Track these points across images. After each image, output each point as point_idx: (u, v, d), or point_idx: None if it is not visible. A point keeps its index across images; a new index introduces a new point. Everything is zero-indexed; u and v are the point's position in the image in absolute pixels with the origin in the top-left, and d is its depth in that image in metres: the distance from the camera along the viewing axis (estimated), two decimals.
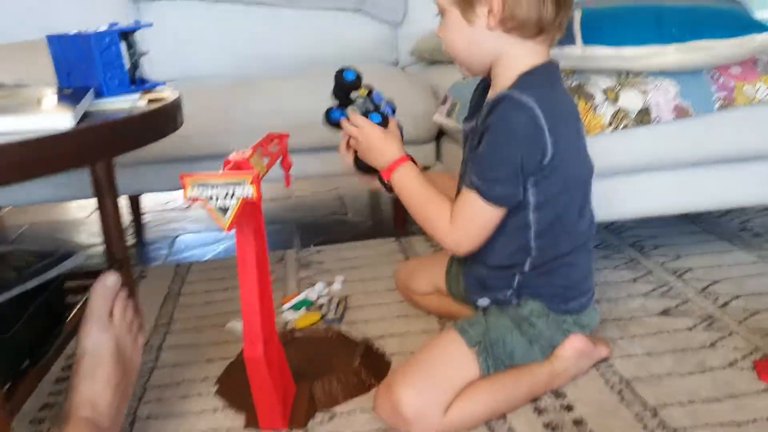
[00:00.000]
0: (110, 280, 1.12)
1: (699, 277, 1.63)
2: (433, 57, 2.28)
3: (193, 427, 1.18)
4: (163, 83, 1.13)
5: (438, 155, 2.08)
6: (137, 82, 1.10)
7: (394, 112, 1.28)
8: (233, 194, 0.97)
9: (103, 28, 1.08)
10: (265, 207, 2.67)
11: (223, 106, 1.95)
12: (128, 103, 1.04)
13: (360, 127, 1.21)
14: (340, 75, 1.24)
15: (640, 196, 1.44)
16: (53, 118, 0.85)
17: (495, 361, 1.12)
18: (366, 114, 1.23)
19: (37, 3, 2.39)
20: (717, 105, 1.34)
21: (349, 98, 1.26)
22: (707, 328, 1.38)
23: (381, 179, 1.24)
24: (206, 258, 2.09)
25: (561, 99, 1.12)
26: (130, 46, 1.10)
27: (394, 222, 2.22)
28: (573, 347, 1.19)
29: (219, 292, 1.76)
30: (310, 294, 1.66)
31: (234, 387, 1.27)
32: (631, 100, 1.33)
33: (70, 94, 0.99)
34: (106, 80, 1.04)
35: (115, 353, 1.09)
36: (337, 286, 1.72)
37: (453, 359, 1.12)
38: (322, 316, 1.55)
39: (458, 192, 1.17)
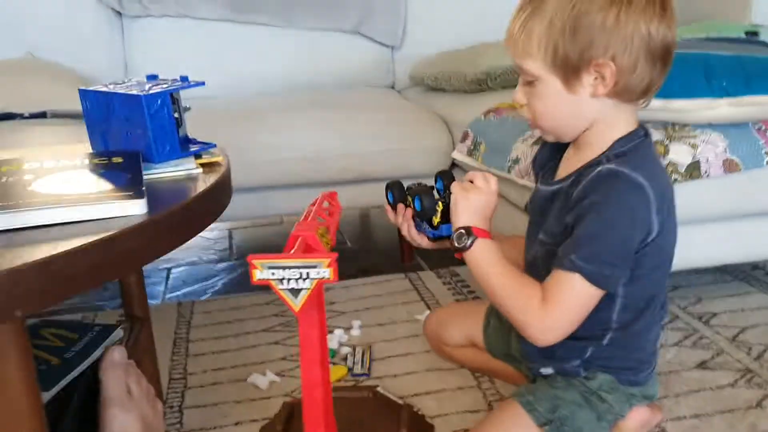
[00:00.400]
0: (117, 355, 1.03)
1: (725, 323, 1.61)
2: (436, 84, 2.22)
3: None
4: (214, 145, 1.04)
5: None
6: (185, 144, 1.01)
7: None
8: (307, 276, 0.90)
9: (144, 84, 0.98)
10: (254, 232, 2.60)
11: (230, 139, 1.85)
12: (182, 171, 0.95)
13: (463, 190, 1.12)
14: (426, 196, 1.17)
15: (686, 248, 1.41)
16: (125, 205, 0.76)
17: None
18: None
19: (16, 18, 2.25)
20: (767, 160, 1.31)
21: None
22: (748, 385, 1.36)
23: (460, 234, 1.12)
24: (206, 296, 1.99)
25: (662, 175, 1.08)
26: (174, 101, 1.01)
27: (401, 255, 2.15)
28: (638, 420, 1.15)
29: (230, 339, 1.67)
30: (331, 343, 1.59)
31: None
32: (680, 153, 1.30)
33: (121, 165, 0.89)
34: (156, 146, 0.94)
35: (144, 429, 1.01)
36: (356, 332, 1.65)
37: None
38: (349, 370, 1.48)
39: (527, 261, 1.11)
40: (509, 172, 1.45)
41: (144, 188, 0.80)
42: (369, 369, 1.48)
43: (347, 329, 1.66)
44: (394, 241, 2.20)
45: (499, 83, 1.94)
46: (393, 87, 2.59)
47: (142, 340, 1.26)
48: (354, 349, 1.55)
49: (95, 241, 0.68)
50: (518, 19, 1.03)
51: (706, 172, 1.30)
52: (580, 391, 1.11)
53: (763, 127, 1.34)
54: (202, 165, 0.98)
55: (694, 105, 1.29)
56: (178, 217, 0.79)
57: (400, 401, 1.31)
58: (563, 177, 1.10)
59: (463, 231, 1.09)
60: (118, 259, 0.71)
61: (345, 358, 1.53)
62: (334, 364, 1.50)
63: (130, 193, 0.78)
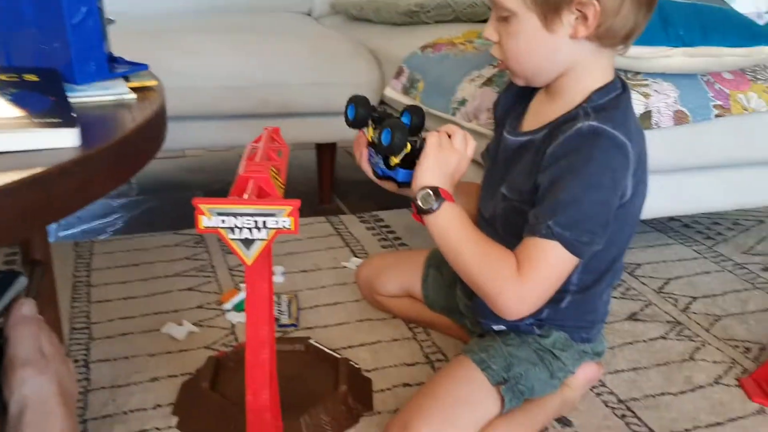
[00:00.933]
0: (27, 308, 0.88)
1: (650, 274, 1.62)
2: (361, 14, 2.09)
3: None
4: (146, 66, 0.89)
5: None
6: (111, 63, 0.85)
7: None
8: (264, 226, 0.78)
9: None
10: (155, 165, 2.40)
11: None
12: (111, 96, 0.79)
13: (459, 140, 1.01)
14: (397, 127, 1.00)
15: None
16: (53, 135, 0.61)
17: (517, 397, 1.02)
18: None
19: None
20: (714, 113, 1.29)
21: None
22: (680, 337, 1.37)
23: (426, 195, 0.99)
24: (106, 235, 1.81)
25: (641, 134, 1.00)
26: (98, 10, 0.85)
27: (320, 197, 2.05)
28: (586, 376, 1.12)
29: (137, 284, 1.52)
30: None
31: (197, 417, 1.09)
32: (634, 102, 1.25)
33: (37, 85, 0.73)
34: (80, 64, 0.78)
35: (60, 393, 0.87)
36: (278, 279, 1.54)
37: (475, 397, 1.00)
38: (276, 321, 1.37)
39: (482, 215, 1.03)
40: (454, 114, 1.37)
41: (74, 115, 0.65)
42: (297, 319, 1.38)
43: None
44: (311, 181, 2.10)
45: (432, 17, 1.83)
46: (309, 14, 2.42)
47: (44, 288, 1.10)
48: (279, 298, 1.45)
49: (23, 180, 0.54)
50: None
51: (656, 123, 1.27)
52: (534, 348, 1.06)
53: (712, 79, 1.32)
54: (133, 89, 0.83)
55: (649, 52, 1.24)
56: (116, 153, 0.65)
57: (337, 354, 1.22)
58: (534, 128, 1.01)
59: (429, 192, 0.98)
60: (50, 203, 0.57)
61: None
62: None
63: (58, 120, 0.63)
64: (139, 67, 0.88)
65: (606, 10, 0.90)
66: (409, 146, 1.00)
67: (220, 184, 2.17)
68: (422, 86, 1.52)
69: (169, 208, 1.99)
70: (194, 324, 1.35)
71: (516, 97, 1.08)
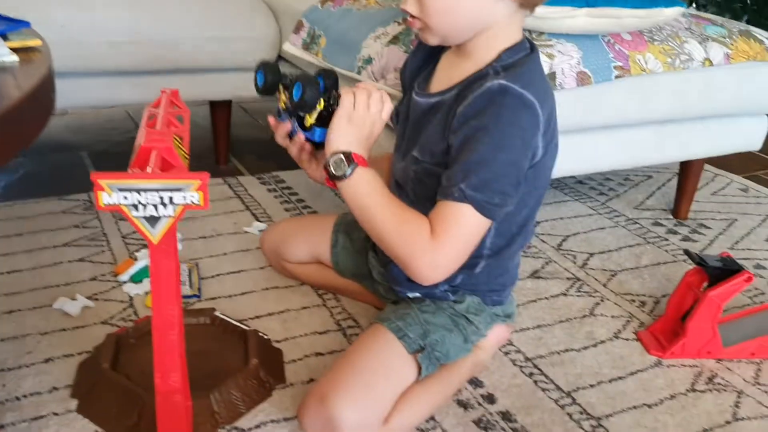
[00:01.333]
0: None
1: (548, 231, 1.66)
2: None
3: None
4: (27, 23, 0.79)
5: None
6: None
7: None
8: (170, 202, 0.73)
9: None
10: None
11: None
12: None
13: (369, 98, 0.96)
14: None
15: None
16: None
17: (433, 363, 1.02)
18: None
19: None
20: (615, 74, 1.31)
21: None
22: (579, 293, 1.41)
23: (339, 160, 0.96)
24: None
25: (550, 94, 0.99)
26: None
27: (216, 158, 1.96)
28: (497, 337, 1.14)
29: (22, 256, 1.41)
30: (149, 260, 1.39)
31: (99, 400, 1.02)
32: None
33: None
34: None
35: None
36: (178, 246, 1.46)
37: (393, 367, 0.99)
38: None
39: (394, 178, 1.01)
40: (359, 72, 1.33)
41: None
42: (199, 290, 1.32)
43: None
44: (206, 141, 2.01)
45: None
46: None
47: None
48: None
49: None
50: None
51: (560, 84, 1.28)
52: (448, 314, 1.06)
53: (612, 40, 1.34)
54: (15, 50, 0.75)
55: (554, 12, 1.24)
56: (1, 128, 0.58)
57: (244, 326, 1.18)
58: (444, 89, 0.99)
59: (342, 156, 0.94)
60: None
61: None
62: None
63: None
64: (20, 24, 0.79)
65: None
66: (322, 102, 0.96)
67: (105, 144, 2.04)
68: (324, 42, 1.46)
69: (52, 171, 1.85)
70: (89, 298, 1.27)
71: (423, 58, 1.06)
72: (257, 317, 1.26)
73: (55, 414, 1.01)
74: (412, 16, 0.96)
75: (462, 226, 0.92)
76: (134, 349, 1.12)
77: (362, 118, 0.96)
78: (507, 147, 0.90)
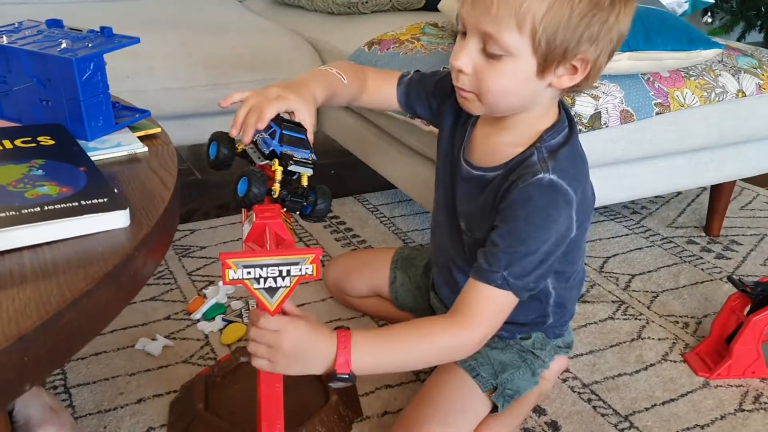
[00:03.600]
0: None
1: (588, 252, 1.73)
2: (293, 0, 2.07)
3: None
4: (149, 113, 0.88)
5: (319, 119, 1.92)
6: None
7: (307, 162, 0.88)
8: (288, 274, 0.81)
9: (52, 34, 0.79)
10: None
11: None
12: (125, 151, 0.79)
13: (275, 332, 0.87)
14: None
15: None
16: (105, 218, 0.61)
17: (507, 400, 1.10)
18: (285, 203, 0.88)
19: None
20: (656, 111, 1.38)
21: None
22: (626, 316, 1.49)
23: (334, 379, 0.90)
24: None
25: (587, 175, 1.03)
26: None
27: None
28: (558, 367, 1.22)
29: None
30: (218, 297, 1.48)
31: None
32: (584, 105, 1.33)
33: (55, 150, 0.72)
34: (90, 120, 0.77)
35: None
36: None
37: (468, 403, 1.07)
38: (247, 327, 1.39)
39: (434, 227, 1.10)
40: (413, 117, 1.40)
41: (116, 191, 0.65)
42: None
43: None
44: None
45: (369, 7, 1.84)
46: None
47: None
48: (248, 303, 1.47)
49: (101, 278, 0.55)
50: None
51: (605, 123, 1.35)
52: (516, 350, 1.14)
53: (651, 78, 1.41)
54: (144, 140, 0.83)
55: None
56: (160, 226, 0.66)
57: None
58: (488, 166, 1.02)
59: (334, 381, 0.90)
60: (118, 294, 0.58)
61: (240, 315, 1.44)
62: (228, 321, 1.41)
63: (104, 201, 0.63)
64: (142, 115, 0.87)
65: (595, 66, 0.92)
66: (278, 168, 0.86)
67: None
68: None
69: None
70: (167, 337, 1.36)
71: (457, 111, 1.07)
72: None
73: None
74: (464, 90, 0.95)
75: (497, 308, 0.96)
76: (221, 388, 1.20)
77: (290, 348, 0.87)
78: (549, 240, 0.95)
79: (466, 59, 0.92)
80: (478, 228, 1.04)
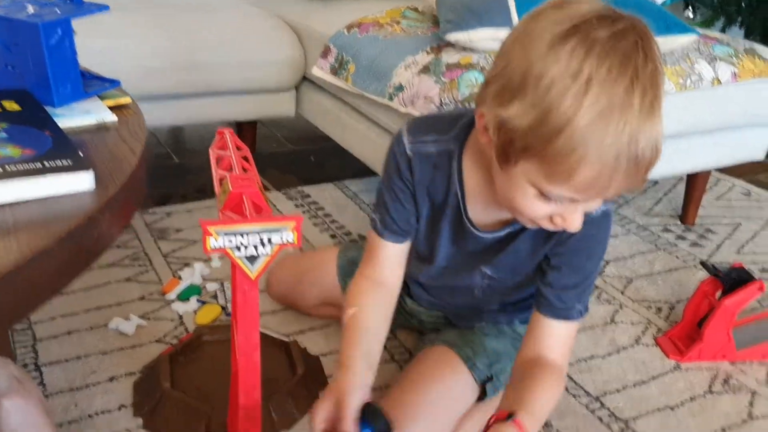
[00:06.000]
0: None
1: None
2: None
3: None
4: (118, 82, 0.87)
5: (298, 103, 1.92)
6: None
7: None
8: (269, 242, 0.81)
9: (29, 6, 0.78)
10: None
11: None
12: (93, 119, 0.78)
13: None
14: None
15: None
16: (70, 179, 0.61)
17: (496, 391, 1.09)
18: None
19: None
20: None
21: None
22: (600, 301, 1.50)
23: None
24: None
25: None
26: None
27: None
28: None
29: None
30: (193, 278, 1.47)
31: (164, 418, 1.10)
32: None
33: (22, 116, 0.71)
34: (57, 87, 0.76)
35: (45, 413, 0.88)
36: (218, 264, 1.54)
37: (461, 394, 1.06)
38: (222, 308, 1.39)
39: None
40: (391, 99, 1.40)
41: (81, 154, 0.65)
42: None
43: (207, 261, 1.55)
44: None
45: None
46: None
47: None
48: (222, 285, 1.46)
49: (62, 236, 0.54)
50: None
51: None
52: (509, 338, 1.14)
53: None
54: (115, 110, 0.82)
55: None
56: (126, 191, 0.65)
57: (286, 338, 1.26)
58: (506, 225, 0.99)
59: None
60: (79, 256, 0.58)
61: (215, 296, 1.43)
62: (203, 302, 1.40)
63: (69, 163, 0.63)
64: (112, 84, 0.86)
65: None
66: None
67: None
68: (353, 68, 1.54)
69: None
70: (140, 317, 1.35)
71: (430, 170, 0.98)
72: (301, 332, 1.34)
73: (128, 430, 1.09)
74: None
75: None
76: (185, 367, 1.20)
77: None
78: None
79: (580, 220, 0.86)
80: (512, 271, 1.05)
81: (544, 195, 0.80)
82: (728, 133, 1.65)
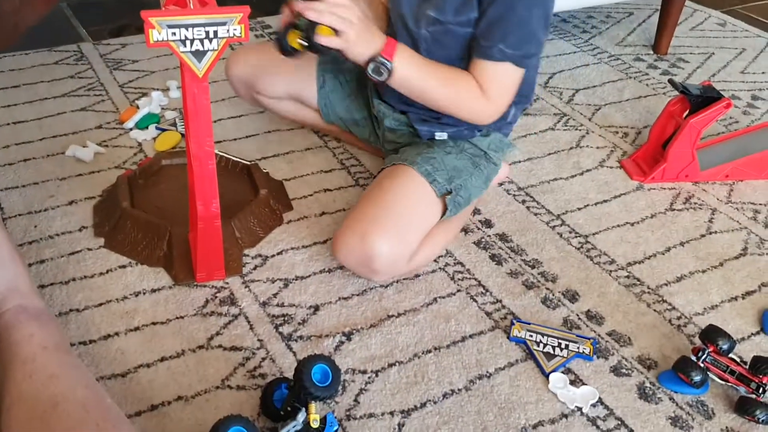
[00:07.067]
0: None
1: None
2: None
3: (108, 293, 1.01)
4: None
5: None
6: None
7: None
8: (215, 36, 0.77)
9: None
10: None
11: None
12: None
13: (346, 7, 0.95)
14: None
15: None
16: None
17: (457, 207, 1.08)
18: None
19: None
20: None
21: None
22: (566, 127, 1.49)
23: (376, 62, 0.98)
24: None
25: None
26: None
27: None
28: (503, 172, 1.22)
29: (25, 107, 1.44)
30: (152, 107, 1.43)
31: (125, 236, 1.09)
32: None
33: None
34: None
35: None
36: (175, 94, 1.50)
37: (424, 208, 1.06)
38: (182, 135, 1.36)
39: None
40: None
41: None
42: None
43: (165, 90, 1.50)
44: None
45: None
46: None
47: None
48: (181, 113, 1.42)
49: None
50: None
51: None
52: (469, 155, 1.12)
53: None
54: None
55: None
56: None
57: (247, 161, 1.24)
58: None
59: (375, 64, 0.97)
60: None
61: (174, 123, 1.40)
62: (162, 130, 1.37)
63: None
64: None
65: None
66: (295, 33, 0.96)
67: None
68: None
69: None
70: (99, 144, 1.32)
71: None
72: (264, 158, 1.32)
73: (89, 249, 1.08)
74: None
75: (505, 81, 1.03)
76: (145, 189, 1.18)
77: (350, 18, 0.95)
78: (540, 3, 0.98)
79: None
80: (454, 10, 1.02)
81: None
82: None
